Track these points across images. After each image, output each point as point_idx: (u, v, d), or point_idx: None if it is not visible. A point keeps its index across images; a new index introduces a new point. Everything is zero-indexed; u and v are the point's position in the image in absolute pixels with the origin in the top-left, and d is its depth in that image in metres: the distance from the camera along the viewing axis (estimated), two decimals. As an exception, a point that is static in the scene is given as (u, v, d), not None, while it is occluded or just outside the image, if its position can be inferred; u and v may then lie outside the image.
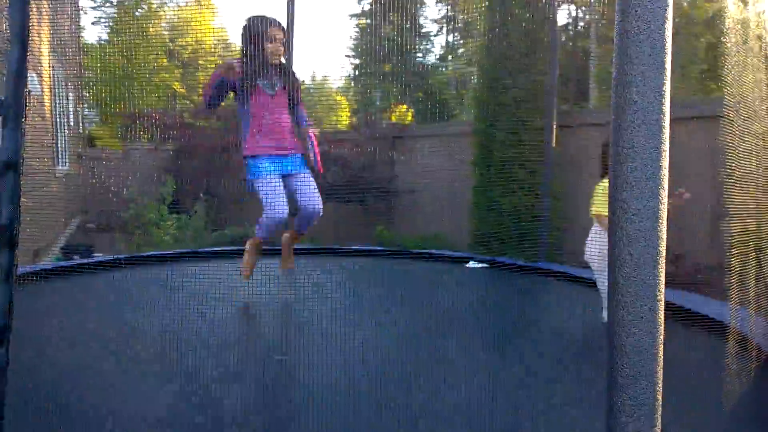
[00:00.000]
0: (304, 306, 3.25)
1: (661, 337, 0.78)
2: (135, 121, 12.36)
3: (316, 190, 3.21)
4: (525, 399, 2.05)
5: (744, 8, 2.08)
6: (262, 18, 2.98)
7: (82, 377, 2.09)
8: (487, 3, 6.62)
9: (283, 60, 3.04)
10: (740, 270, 1.84)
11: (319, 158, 3.08)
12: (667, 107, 0.78)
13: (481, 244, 5.84)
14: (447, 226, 6.90)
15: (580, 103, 17.83)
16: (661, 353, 0.78)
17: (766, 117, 2.04)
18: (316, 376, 2.22)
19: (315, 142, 3.05)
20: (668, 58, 0.78)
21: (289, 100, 3.03)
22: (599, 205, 2.66)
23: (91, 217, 11.29)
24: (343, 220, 8.00)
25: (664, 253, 0.77)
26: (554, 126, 5.06)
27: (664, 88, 0.78)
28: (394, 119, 13.55)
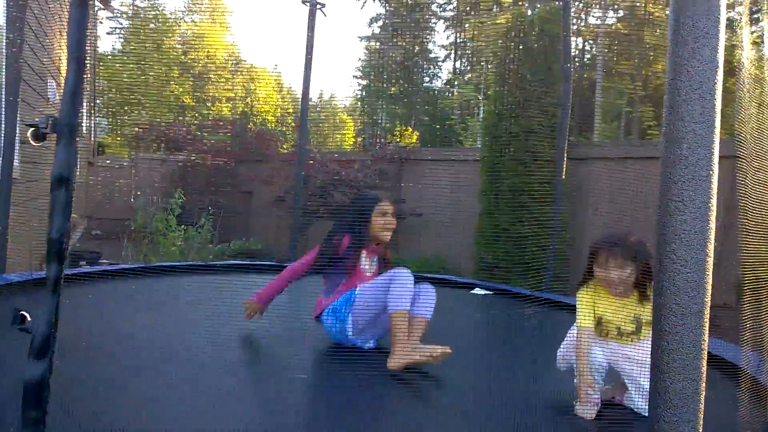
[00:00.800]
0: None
1: (704, 384, 0.81)
2: (145, 131, 12.48)
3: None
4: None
5: (758, 47, 2.12)
6: (374, 197, 2.85)
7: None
8: (502, 33, 6.74)
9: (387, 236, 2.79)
10: (753, 313, 1.86)
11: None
12: (716, 164, 0.82)
13: (485, 271, 5.87)
14: (451, 251, 6.94)
15: (585, 135, 17.99)
16: (702, 400, 0.81)
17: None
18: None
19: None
20: (718, 118, 0.83)
21: None
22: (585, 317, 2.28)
23: (97, 224, 11.33)
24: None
25: (708, 304, 0.81)
26: (565, 158, 5.12)
27: (713, 147, 0.82)
28: (403, 142, 13.65)
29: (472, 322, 4.14)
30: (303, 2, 5.33)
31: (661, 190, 0.85)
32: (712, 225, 0.82)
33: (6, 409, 1.46)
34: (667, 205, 0.83)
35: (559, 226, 5.46)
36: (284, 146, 12.08)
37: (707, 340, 0.82)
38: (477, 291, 5.09)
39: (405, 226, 7.36)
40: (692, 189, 0.81)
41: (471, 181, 6.71)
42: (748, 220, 1.86)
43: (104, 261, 8.52)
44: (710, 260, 0.82)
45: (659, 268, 0.83)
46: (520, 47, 6.12)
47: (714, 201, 0.82)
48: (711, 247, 0.82)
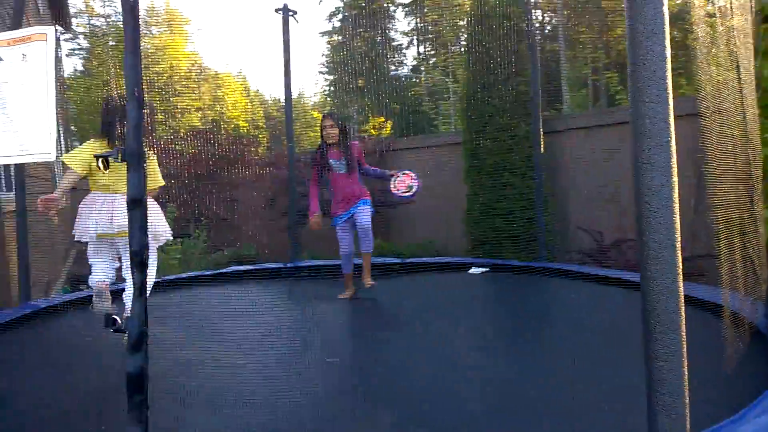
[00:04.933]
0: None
1: (682, 301, 1.07)
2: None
3: (367, 215, 4.39)
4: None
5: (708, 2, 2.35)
6: (323, 115, 4.61)
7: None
8: (463, 14, 6.96)
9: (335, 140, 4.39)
10: (728, 256, 2.13)
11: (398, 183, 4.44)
12: (672, 132, 1.08)
13: (478, 248, 6.14)
14: (442, 234, 7.20)
15: (555, 106, 18.34)
16: (683, 312, 1.07)
17: (737, 111, 2.31)
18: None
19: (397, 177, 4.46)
20: (671, 97, 1.08)
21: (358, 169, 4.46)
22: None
23: (85, 246, 11.32)
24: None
25: (678, 239, 1.07)
26: (541, 132, 5.39)
27: (669, 119, 1.07)
28: (374, 133, 13.76)
29: (480, 302, 4.37)
30: (276, 11, 5.51)
31: (632, 156, 1.11)
32: (675, 179, 1.08)
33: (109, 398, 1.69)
34: (638, 167, 1.09)
35: (543, 198, 5.74)
36: (259, 149, 12.17)
37: (681, 267, 1.08)
38: (473, 270, 5.32)
39: (397, 214, 7.59)
40: (656, 153, 1.07)
41: (453, 163, 6.96)
42: (714, 170, 2.14)
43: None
44: (676, 205, 1.07)
45: (639, 214, 1.09)
46: (485, 31, 6.34)
47: (674, 160, 1.08)
48: (676, 196, 1.08)
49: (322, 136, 4.47)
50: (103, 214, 3.11)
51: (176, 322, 3.78)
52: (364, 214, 4.37)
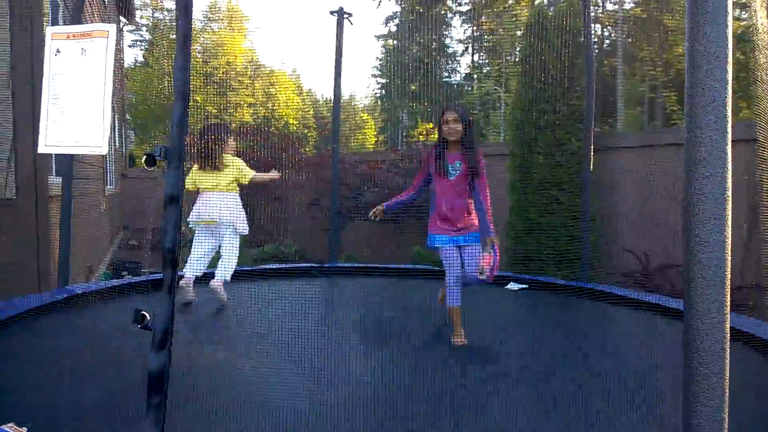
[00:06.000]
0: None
1: (728, 342, 1.00)
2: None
3: (477, 261, 3.49)
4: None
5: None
6: (443, 109, 3.65)
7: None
8: (521, 29, 6.87)
9: (457, 137, 3.51)
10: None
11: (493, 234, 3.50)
12: (729, 162, 1.01)
13: (519, 264, 6.02)
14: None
15: (609, 122, 17.91)
16: (728, 352, 1.00)
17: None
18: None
19: (490, 219, 3.48)
20: (729, 125, 1.01)
21: (470, 181, 3.53)
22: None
23: (133, 234, 11.75)
24: (381, 239, 8.25)
25: (729, 275, 1.00)
26: (592, 149, 5.24)
27: (726, 148, 1.00)
28: (422, 139, 13.72)
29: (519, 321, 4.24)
30: (331, 13, 5.54)
31: (685, 186, 1.04)
32: (728, 212, 1.01)
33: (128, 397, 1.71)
34: (690, 197, 1.02)
35: (589, 216, 5.58)
36: (307, 148, 12.29)
37: (729, 306, 1.01)
38: (511, 286, 5.20)
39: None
40: (710, 184, 1.00)
41: (498, 174, 6.85)
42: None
43: (145, 270, 8.86)
44: (728, 240, 1.00)
45: (687, 247, 1.02)
46: (542, 43, 6.24)
47: (729, 192, 1.01)
48: (728, 229, 1.00)
49: (440, 132, 3.58)
50: (197, 207, 4.18)
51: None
52: (474, 263, 3.43)
